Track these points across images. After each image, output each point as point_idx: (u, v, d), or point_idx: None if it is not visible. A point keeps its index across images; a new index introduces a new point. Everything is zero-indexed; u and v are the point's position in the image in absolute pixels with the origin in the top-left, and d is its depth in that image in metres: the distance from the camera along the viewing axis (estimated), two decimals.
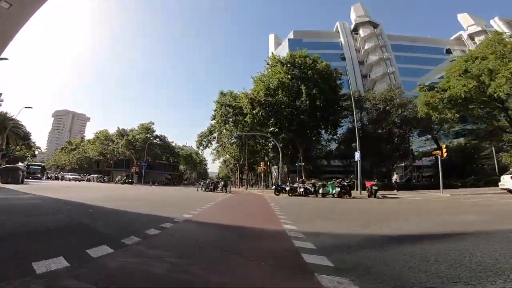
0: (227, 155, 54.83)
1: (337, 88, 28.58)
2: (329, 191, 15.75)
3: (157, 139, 58.38)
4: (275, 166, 52.75)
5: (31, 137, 68.72)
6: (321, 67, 27.78)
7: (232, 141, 47.47)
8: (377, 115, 28.05)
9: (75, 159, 69.01)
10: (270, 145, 41.35)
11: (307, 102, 25.35)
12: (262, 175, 30.65)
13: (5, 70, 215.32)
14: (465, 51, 61.04)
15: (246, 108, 28.75)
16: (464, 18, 58.27)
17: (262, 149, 41.28)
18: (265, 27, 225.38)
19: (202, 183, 24.33)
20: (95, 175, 49.71)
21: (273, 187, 18.66)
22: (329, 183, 16.35)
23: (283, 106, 26.50)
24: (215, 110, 38.71)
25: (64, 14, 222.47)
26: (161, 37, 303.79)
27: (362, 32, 58.73)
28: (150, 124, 58.92)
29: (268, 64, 31.17)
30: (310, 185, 17.07)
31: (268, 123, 28.37)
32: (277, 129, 28.21)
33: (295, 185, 18.44)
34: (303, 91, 25.67)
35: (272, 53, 31.81)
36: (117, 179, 43.33)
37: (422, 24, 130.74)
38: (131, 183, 41.40)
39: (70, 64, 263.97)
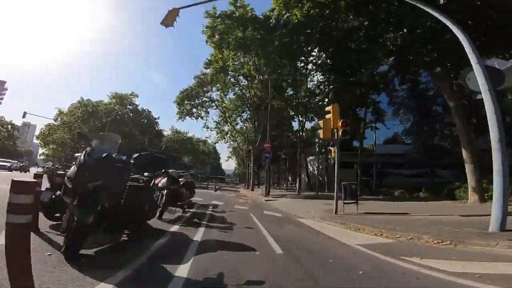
0: (237, 137, 35.50)
1: None
2: None
3: (137, 114, 40.32)
4: (310, 158, 32.82)
5: None
6: None
7: (244, 116, 29.92)
8: None
9: (43, 143, 53.40)
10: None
11: None
12: (309, 164, 11.75)
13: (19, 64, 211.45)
14: None
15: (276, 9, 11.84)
16: None
17: (296, 115, 22.28)
18: None
19: None
20: (50, 163, 34.41)
21: None
22: None
23: None
24: (206, 37, 19.64)
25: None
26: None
27: None
28: (131, 96, 41.42)
29: None
30: None
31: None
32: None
33: None
34: None
35: None
36: (45, 166, 25.78)
37: None
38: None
39: (83, 57, 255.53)
